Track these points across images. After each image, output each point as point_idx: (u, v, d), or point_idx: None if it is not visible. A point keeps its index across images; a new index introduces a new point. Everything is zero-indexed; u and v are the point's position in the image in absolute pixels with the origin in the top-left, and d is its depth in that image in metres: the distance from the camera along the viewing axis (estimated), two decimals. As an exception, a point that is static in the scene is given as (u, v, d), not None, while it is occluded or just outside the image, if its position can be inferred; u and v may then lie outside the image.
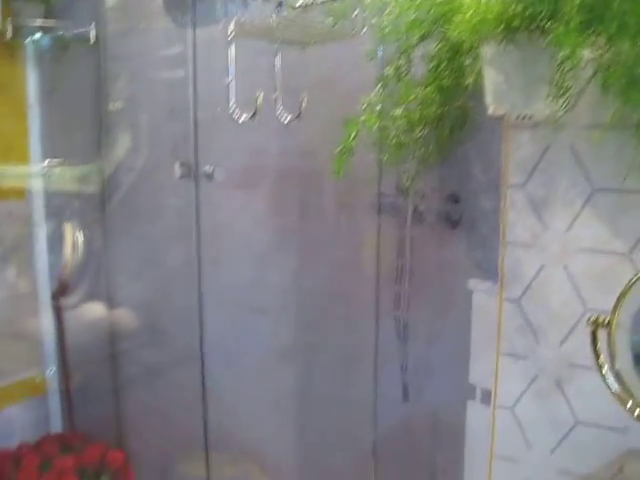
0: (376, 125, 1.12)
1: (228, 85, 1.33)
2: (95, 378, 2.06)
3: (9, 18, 1.75)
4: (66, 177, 1.88)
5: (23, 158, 1.96)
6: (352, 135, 1.11)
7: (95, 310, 1.98)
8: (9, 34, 1.73)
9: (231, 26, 1.24)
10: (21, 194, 1.98)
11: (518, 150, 1.17)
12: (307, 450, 1.66)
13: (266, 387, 1.68)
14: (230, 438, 1.75)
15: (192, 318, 1.75)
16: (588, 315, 1.04)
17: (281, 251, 1.62)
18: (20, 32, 1.78)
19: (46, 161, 1.95)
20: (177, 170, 1.69)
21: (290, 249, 1.60)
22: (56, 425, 2.14)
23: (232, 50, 1.29)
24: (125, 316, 1.91)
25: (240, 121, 1.35)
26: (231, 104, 1.34)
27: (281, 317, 1.62)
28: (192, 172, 1.69)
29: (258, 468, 1.75)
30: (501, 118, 1.15)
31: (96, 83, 1.85)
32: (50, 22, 1.81)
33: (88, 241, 1.97)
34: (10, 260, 1.98)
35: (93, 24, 1.79)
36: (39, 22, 1.79)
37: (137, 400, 1.99)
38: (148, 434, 1.98)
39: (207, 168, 1.67)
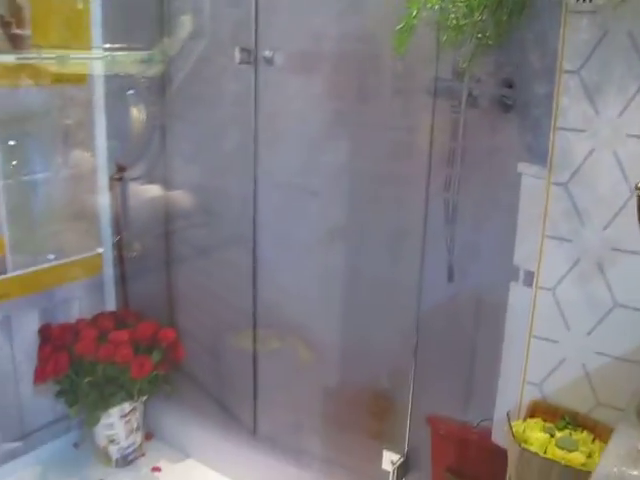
0: (437, 5, 1.14)
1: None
2: (149, 257, 2.18)
3: None
4: (127, 62, 1.93)
5: (85, 43, 2.01)
6: (414, 13, 1.13)
7: (152, 190, 2.07)
8: None
9: None
10: (83, 78, 2.04)
11: (575, 35, 1.18)
12: (352, 327, 1.76)
13: (315, 267, 1.77)
14: (278, 315, 1.86)
15: (246, 200, 1.82)
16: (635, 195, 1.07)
17: (336, 134, 1.66)
18: None
19: (107, 45, 2.00)
20: (237, 55, 1.72)
21: (345, 132, 1.65)
22: (110, 303, 2.28)
23: None
24: (181, 197, 2.00)
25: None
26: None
27: (332, 199, 1.69)
28: (252, 57, 1.72)
29: (303, 343, 1.85)
30: (560, 3, 1.16)
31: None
32: None
33: (148, 123, 2.04)
34: (72, 143, 2.06)
35: None
36: None
37: (189, 279, 2.09)
38: (198, 312, 2.10)
39: (267, 53, 1.70)
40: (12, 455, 2.06)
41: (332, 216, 1.71)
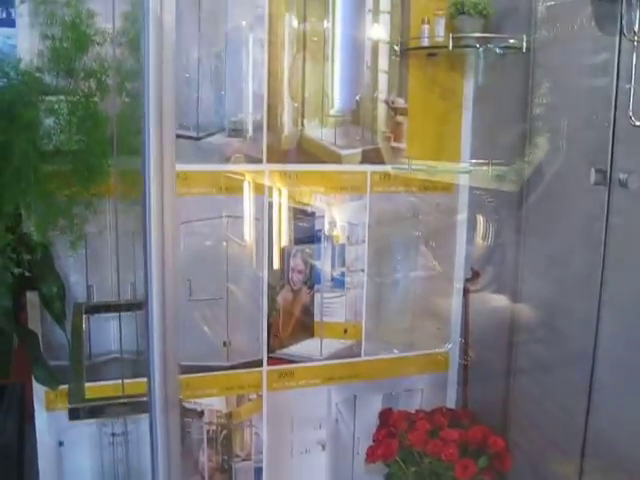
0: None
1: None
2: (490, 363, 2.21)
3: (450, 33, 1.99)
4: (489, 176, 2.05)
5: (454, 156, 2.20)
6: None
7: (500, 300, 2.12)
8: (450, 46, 1.96)
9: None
10: (449, 188, 2.22)
11: None
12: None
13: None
14: (609, 448, 1.73)
15: (589, 321, 1.76)
16: None
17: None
18: (460, 43, 2.00)
19: (473, 160, 2.16)
20: (592, 176, 1.71)
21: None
22: (450, 400, 2.37)
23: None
24: (526, 310, 2.01)
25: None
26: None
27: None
28: (606, 179, 1.69)
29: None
30: None
31: (523, 90, 1.96)
32: (487, 34, 1.99)
33: (501, 236, 2.12)
34: (433, 245, 2.24)
35: (524, 35, 1.91)
36: (477, 34, 1.98)
37: (525, 391, 2.06)
38: (529, 426, 2.05)
39: (622, 176, 1.66)
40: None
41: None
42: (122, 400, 1.28)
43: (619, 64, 1.65)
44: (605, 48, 1.68)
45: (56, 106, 1.62)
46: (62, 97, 1.63)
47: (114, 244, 1.88)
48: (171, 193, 0.87)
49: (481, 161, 2.10)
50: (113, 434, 1.98)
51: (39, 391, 1.91)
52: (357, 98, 2.09)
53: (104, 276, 1.92)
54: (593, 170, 1.72)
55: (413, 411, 2.24)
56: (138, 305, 1.84)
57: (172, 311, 0.92)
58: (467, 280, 2.25)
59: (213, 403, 2.07)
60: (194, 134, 1.96)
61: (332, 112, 2.07)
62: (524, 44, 1.93)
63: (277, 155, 2.01)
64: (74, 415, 1.26)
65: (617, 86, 1.66)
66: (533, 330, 2.00)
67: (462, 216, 2.24)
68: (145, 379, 0.96)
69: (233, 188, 1.99)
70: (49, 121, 1.62)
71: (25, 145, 1.56)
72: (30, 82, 1.63)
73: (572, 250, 1.85)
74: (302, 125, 2.03)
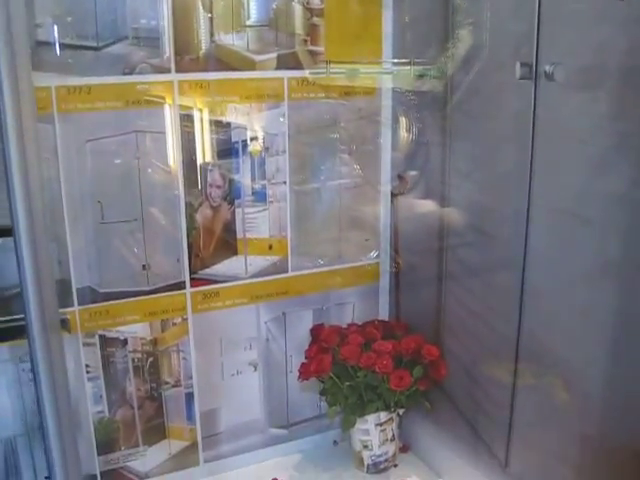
0: None
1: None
2: (421, 270, 2.18)
3: None
4: (412, 76, 1.96)
5: (375, 57, 2.08)
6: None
7: (427, 205, 2.07)
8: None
9: None
10: (371, 92, 2.12)
11: None
12: (619, 374, 1.56)
13: (585, 302, 1.61)
14: (541, 349, 1.73)
15: (518, 223, 1.72)
16: None
17: (620, 158, 1.49)
18: None
19: (394, 60, 2.05)
20: (517, 70, 1.63)
21: (630, 156, 1.47)
22: (383, 312, 2.34)
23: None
24: (454, 213, 1.96)
25: None
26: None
27: (610, 230, 1.52)
28: (532, 72, 1.62)
29: (563, 384, 1.70)
30: None
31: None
32: None
33: (426, 139, 2.04)
34: (357, 152, 2.15)
35: None
36: None
37: (456, 297, 2.04)
38: (462, 333, 2.03)
39: (547, 68, 1.59)
40: (276, 440, 2.23)
41: (608, 249, 1.54)
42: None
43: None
44: None
45: None
46: None
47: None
48: (31, 113, 0.74)
49: (403, 61, 2.00)
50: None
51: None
52: (274, 6, 1.93)
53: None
54: (518, 64, 1.65)
55: (345, 325, 2.20)
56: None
57: (42, 237, 0.80)
58: (393, 187, 2.17)
59: (136, 330, 1.97)
60: (94, 44, 1.78)
61: (248, 22, 1.92)
62: None
63: (186, 64, 1.86)
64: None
65: (542, -29, 1.57)
66: (462, 234, 1.96)
67: (385, 120, 2.15)
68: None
69: (141, 101, 1.84)
70: None
71: None
72: None
73: (499, 149, 1.80)
74: (214, 35, 1.88)
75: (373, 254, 2.26)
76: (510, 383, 1.83)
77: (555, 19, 1.55)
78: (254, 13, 1.93)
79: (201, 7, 1.85)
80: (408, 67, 1.98)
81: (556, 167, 1.63)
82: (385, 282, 2.30)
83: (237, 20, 1.91)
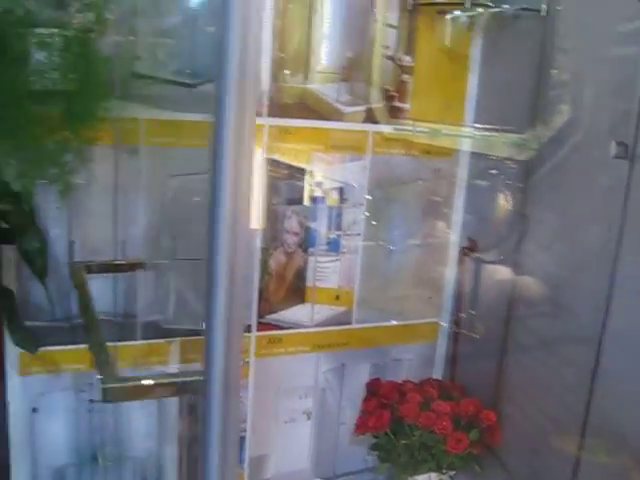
0: None
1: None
2: (484, 335, 2.16)
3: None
4: (496, 143, 1.97)
5: (457, 119, 2.10)
6: None
7: (499, 271, 2.06)
8: (468, 4, 1.85)
9: None
10: (450, 153, 2.13)
11: None
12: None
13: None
14: (611, 426, 1.70)
15: (598, 299, 1.71)
16: None
17: None
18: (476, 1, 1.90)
19: (478, 125, 2.07)
20: (613, 148, 1.64)
21: None
22: (437, 372, 2.32)
23: None
24: (529, 284, 1.95)
25: None
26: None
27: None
28: (628, 152, 1.63)
29: (635, 464, 1.67)
30: None
31: (539, 55, 1.87)
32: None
33: (504, 206, 2.04)
34: (431, 212, 2.16)
35: (545, -1, 1.82)
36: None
37: (522, 367, 2.02)
38: (525, 402, 2.01)
39: (647, 150, 1.60)
40: (321, 491, 2.21)
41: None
42: (168, 380, 1.13)
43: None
44: (635, 15, 1.60)
45: (49, 40, 1.43)
46: (55, 30, 1.45)
47: (102, 197, 1.73)
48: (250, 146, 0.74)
49: (488, 126, 2.01)
50: (91, 400, 1.85)
51: (11, 354, 1.75)
52: (349, 55, 1.96)
53: (87, 232, 1.77)
54: (614, 142, 1.66)
55: (400, 382, 2.18)
56: (141, 265, 1.70)
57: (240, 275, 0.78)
58: (464, 249, 2.17)
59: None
60: (188, 80, 1.81)
61: (319, 68, 1.94)
62: (544, 7, 1.83)
63: (277, 109, 1.88)
64: (107, 398, 1.11)
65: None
66: (535, 304, 1.95)
67: (461, 182, 2.16)
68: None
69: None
70: (40, 56, 1.44)
71: (12, 82, 1.39)
72: (17, 10, 1.44)
73: (585, 224, 1.79)
74: (306, 78, 1.90)
75: (437, 315, 2.26)
76: (574, 457, 1.81)
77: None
78: (346, 65, 1.95)
79: (296, 54, 1.88)
80: (491, 133, 1.99)
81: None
82: (443, 342, 2.29)
83: (330, 70, 1.94)
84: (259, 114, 1.85)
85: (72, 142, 1.51)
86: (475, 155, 2.12)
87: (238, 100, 0.73)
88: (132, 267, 1.72)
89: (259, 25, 0.72)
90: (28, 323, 1.70)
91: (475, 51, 2.08)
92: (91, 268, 1.63)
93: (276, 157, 1.91)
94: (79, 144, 1.53)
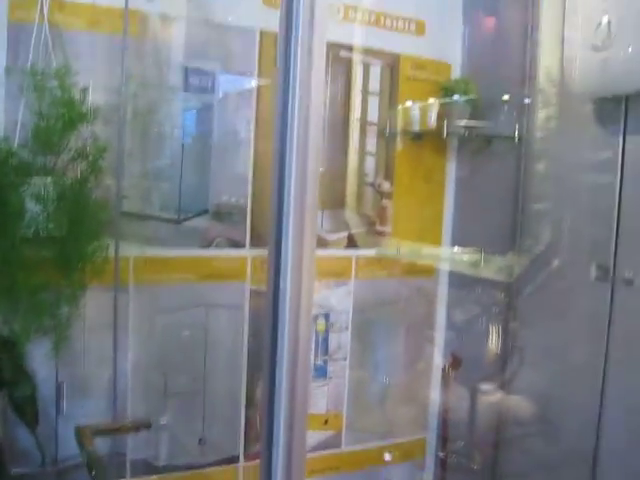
0: None
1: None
2: (472, 457, 2.13)
3: (440, 118, 1.97)
4: (474, 264, 2.01)
5: (435, 240, 2.16)
6: None
7: (484, 389, 2.06)
8: (444, 133, 1.94)
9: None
10: (430, 271, 2.18)
11: None
12: None
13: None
14: None
15: (590, 418, 1.73)
16: None
17: None
18: (450, 130, 1.98)
19: (455, 247, 2.13)
20: (593, 272, 1.70)
21: None
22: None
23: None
24: (518, 403, 1.96)
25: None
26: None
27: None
28: (609, 276, 1.68)
29: None
30: None
31: (513, 178, 1.95)
32: (475, 122, 1.98)
33: (485, 324, 2.07)
34: (413, 331, 2.18)
35: (517, 126, 1.91)
36: (464, 122, 1.97)
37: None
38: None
39: (627, 273, 1.65)
40: None
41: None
42: None
43: (623, 162, 1.66)
44: (607, 146, 1.69)
45: (42, 191, 1.44)
46: (49, 180, 1.47)
47: (91, 337, 1.71)
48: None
49: (465, 248, 2.07)
50: None
51: (-6, 503, 1.67)
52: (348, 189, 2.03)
53: (75, 372, 1.73)
54: (594, 266, 1.72)
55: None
56: (147, 425, 1.66)
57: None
58: (447, 367, 2.18)
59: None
60: (175, 216, 1.83)
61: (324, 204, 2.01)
62: (516, 134, 1.93)
63: (259, 239, 1.90)
64: None
65: (621, 183, 1.67)
66: (525, 424, 1.95)
67: (442, 301, 2.20)
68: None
69: (213, 275, 1.87)
70: (35, 208, 1.44)
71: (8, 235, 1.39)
72: (11, 161, 1.46)
73: (571, 344, 1.83)
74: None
75: (420, 431, 2.24)
76: None
77: (635, 227, 1.63)
78: (329, 195, 2.01)
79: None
80: (468, 254, 2.05)
81: (634, 368, 1.66)
82: (431, 461, 2.26)
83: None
84: (241, 245, 1.88)
85: (66, 289, 1.50)
86: (455, 274, 2.16)
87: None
88: (137, 428, 1.68)
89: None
90: (16, 470, 1.64)
91: (450, 175, 2.16)
92: (98, 430, 1.58)
93: (259, 288, 1.91)
94: (73, 290, 1.52)
